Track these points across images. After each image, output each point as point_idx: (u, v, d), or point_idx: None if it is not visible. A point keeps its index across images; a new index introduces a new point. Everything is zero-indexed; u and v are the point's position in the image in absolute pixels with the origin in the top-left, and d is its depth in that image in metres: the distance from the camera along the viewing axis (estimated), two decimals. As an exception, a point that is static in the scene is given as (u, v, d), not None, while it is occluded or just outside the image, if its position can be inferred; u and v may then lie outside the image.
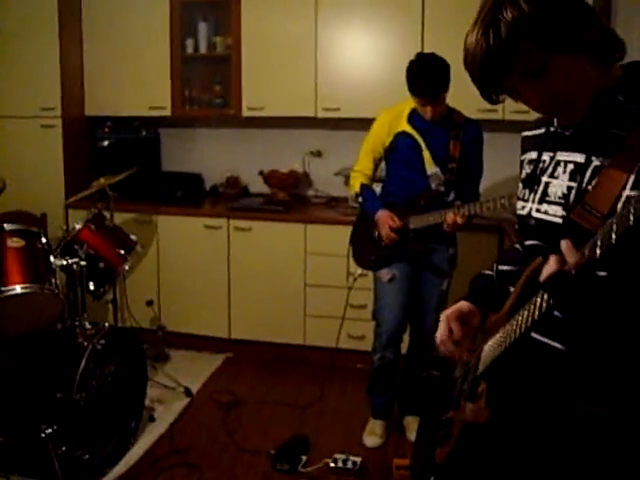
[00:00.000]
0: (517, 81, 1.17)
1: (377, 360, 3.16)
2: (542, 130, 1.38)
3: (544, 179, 1.31)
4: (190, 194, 4.41)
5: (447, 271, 3.11)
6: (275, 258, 4.05)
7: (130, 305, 3.98)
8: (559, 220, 1.23)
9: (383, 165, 3.21)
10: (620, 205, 1.07)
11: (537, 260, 1.23)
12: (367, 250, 3.17)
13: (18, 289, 2.72)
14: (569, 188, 1.22)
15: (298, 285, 4.04)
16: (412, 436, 3.11)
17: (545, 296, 1.04)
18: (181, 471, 2.92)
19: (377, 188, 3.22)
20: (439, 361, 1.67)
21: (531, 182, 1.35)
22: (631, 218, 0.81)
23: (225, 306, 4.19)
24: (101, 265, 3.25)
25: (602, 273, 0.94)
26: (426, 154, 2.99)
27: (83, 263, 2.99)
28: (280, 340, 4.13)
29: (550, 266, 0.99)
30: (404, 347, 3.26)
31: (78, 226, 3.24)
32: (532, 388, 1.27)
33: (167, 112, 4.37)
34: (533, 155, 1.38)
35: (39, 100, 4.29)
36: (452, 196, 3.05)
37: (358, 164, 3.20)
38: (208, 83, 4.48)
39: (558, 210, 1.24)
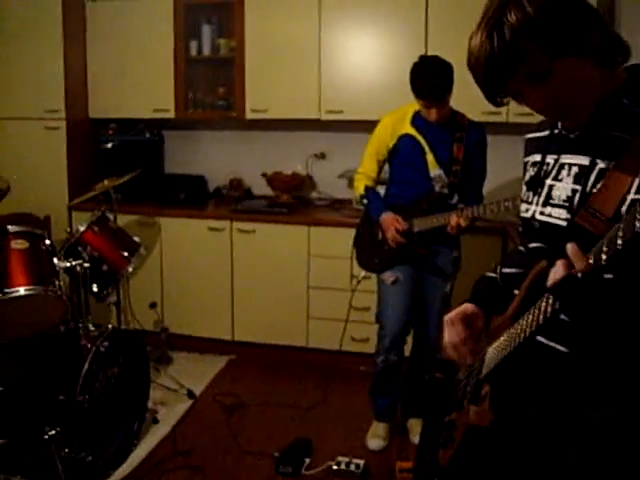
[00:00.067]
0: (521, 84, 1.16)
1: (380, 363, 3.16)
2: (546, 132, 1.37)
3: (548, 182, 1.30)
4: (193, 196, 4.42)
5: (451, 274, 3.11)
6: (278, 260, 4.05)
7: (133, 307, 3.98)
8: (563, 223, 1.23)
9: (387, 167, 3.21)
10: (625, 209, 1.07)
11: (542, 263, 1.23)
12: (371, 252, 3.17)
13: (22, 291, 2.72)
14: (573, 191, 1.22)
15: (301, 287, 4.04)
16: (415, 439, 3.10)
17: (551, 300, 1.04)
18: (184, 473, 2.92)
19: (381, 190, 3.22)
20: (442, 364, 1.67)
21: (535, 185, 1.34)
22: (637, 224, 0.81)
23: (228, 308, 4.19)
24: (105, 267, 3.26)
25: (608, 276, 0.94)
26: (430, 156, 2.99)
27: (87, 265, 2.99)
28: (283, 342, 4.13)
29: (558, 270, 0.99)
30: (407, 350, 3.26)
31: (82, 228, 3.24)
32: (536, 391, 1.27)
33: (171, 114, 4.38)
34: (537, 157, 1.37)
35: (43, 102, 4.30)
36: (456, 198, 3.05)
37: (362, 166, 3.20)
38: (212, 85, 4.49)
39: (562, 213, 1.24)
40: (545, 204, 1.29)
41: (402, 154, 3.05)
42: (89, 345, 2.75)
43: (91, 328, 2.93)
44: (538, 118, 1.36)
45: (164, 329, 4.17)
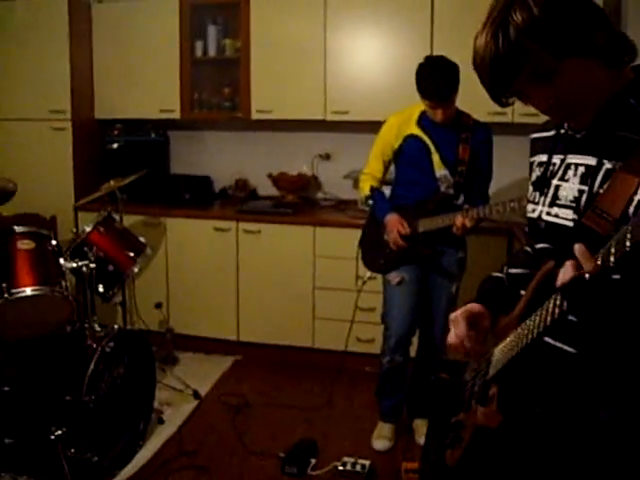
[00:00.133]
0: (526, 84, 1.16)
1: (386, 363, 3.15)
2: (552, 132, 1.37)
3: (554, 182, 1.30)
4: (199, 197, 4.42)
5: (456, 274, 3.10)
6: (284, 261, 4.05)
7: (139, 307, 3.98)
8: (570, 224, 1.22)
9: (392, 168, 3.20)
10: (632, 209, 1.07)
11: (548, 264, 1.23)
12: (376, 253, 3.16)
13: (28, 291, 2.73)
14: (580, 191, 1.21)
15: (307, 288, 4.04)
16: (421, 439, 3.10)
17: (558, 300, 1.03)
18: (189, 473, 2.92)
19: (386, 191, 3.21)
20: (448, 364, 1.66)
21: (541, 185, 1.34)
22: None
23: (234, 309, 4.19)
24: (110, 267, 3.27)
25: (616, 276, 0.93)
26: (435, 157, 2.99)
27: (93, 265, 3.00)
28: (289, 343, 4.13)
29: (567, 271, 0.98)
30: (413, 350, 3.25)
31: (88, 228, 3.26)
32: (543, 392, 1.26)
33: (176, 115, 4.39)
34: (543, 158, 1.37)
35: (49, 103, 4.32)
36: (461, 199, 3.04)
37: (367, 167, 3.19)
38: (217, 86, 4.49)
39: (569, 213, 1.23)
40: (552, 204, 1.29)
41: (408, 155, 3.05)
42: (95, 345, 2.76)
43: (97, 328, 2.94)
44: (543, 118, 1.36)
45: (169, 329, 4.17)
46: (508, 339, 1.29)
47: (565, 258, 1.01)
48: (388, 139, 3.09)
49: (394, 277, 3.08)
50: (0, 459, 2.73)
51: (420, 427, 3.21)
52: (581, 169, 1.23)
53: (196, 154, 4.75)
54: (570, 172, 1.26)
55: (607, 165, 1.17)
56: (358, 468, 2.89)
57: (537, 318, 1.12)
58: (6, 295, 2.67)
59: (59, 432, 2.56)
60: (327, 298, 4.01)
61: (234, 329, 4.21)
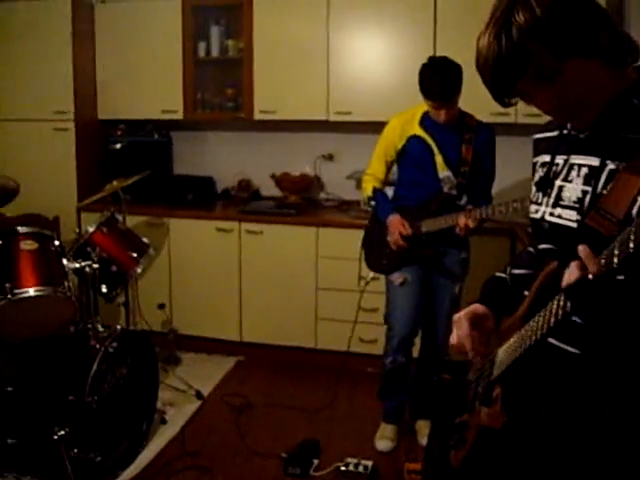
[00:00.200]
0: (529, 85, 1.16)
1: (389, 364, 3.15)
2: (555, 133, 1.37)
3: (558, 183, 1.30)
4: (202, 197, 4.43)
5: (459, 275, 3.10)
6: (287, 261, 4.05)
7: (142, 308, 3.98)
8: (573, 224, 1.22)
9: (395, 169, 3.20)
10: (635, 210, 1.07)
11: (552, 264, 1.23)
12: (379, 254, 3.16)
13: (31, 292, 2.73)
14: (584, 192, 1.21)
15: (310, 288, 4.04)
16: (423, 440, 3.09)
17: (562, 302, 1.03)
18: (192, 474, 2.92)
19: (389, 191, 3.21)
20: (451, 365, 1.66)
21: (544, 185, 1.34)
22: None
23: (237, 309, 4.19)
24: (113, 268, 3.27)
25: (620, 277, 0.93)
26: (438, 157, 2.98)
27: (96, 266, 3.00)
28: (291, 343, 4.13)
29: (572, 272, 0.98)
30: (416, 351, 3.25)
31: (91, 229, 3.26)
32: (547, 392, 1.26)
33: (179, 115, 4.39)
34: (546, 158, 1.37)
35: (52, 103, 4.32)
36: (464, 200, 3.04)
37: (370, 167, 3.19)
38: (220, 86, 4.50)
39: (572, 214, 1.23)
40: (555, 205, 1.29)
41: (411, 155, 3.05)
42: (98, 346, 2.76)
43: (100, 329, 2.94)
44: (546, 119, 1.35)
45: (172, 330, 4.18)
46: (512, 340, 1.28)
47: (568, 259, 1.01)
48: (391, 140, 3.09)
49: (397, 278, 3.08)
50: (3, 459, 2.73)
51: (423, 428, 3.20)
52: (584, 170, 1.23)
53: (199, 155, 4.75)
54: (573, 173, 1.26)
55: (610, 166, 1.16)
56: (361, 469, 2.89)
57: (541, 319, 1.12)
58: (9, 295, 2.67)
59: (62, 432, 2.56)
60: (330, 299, 4.01)
61: (237, 330, 4.21)
